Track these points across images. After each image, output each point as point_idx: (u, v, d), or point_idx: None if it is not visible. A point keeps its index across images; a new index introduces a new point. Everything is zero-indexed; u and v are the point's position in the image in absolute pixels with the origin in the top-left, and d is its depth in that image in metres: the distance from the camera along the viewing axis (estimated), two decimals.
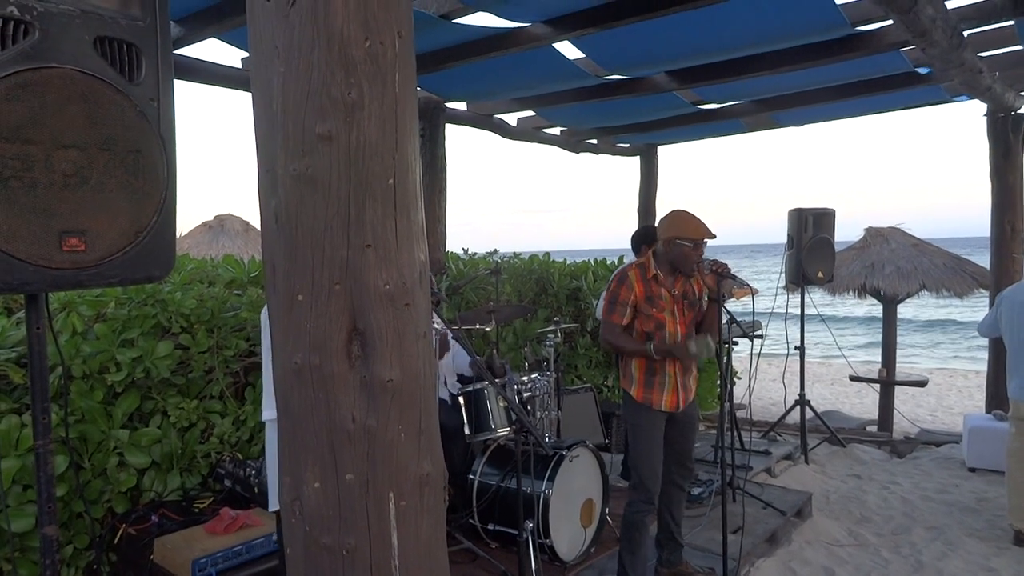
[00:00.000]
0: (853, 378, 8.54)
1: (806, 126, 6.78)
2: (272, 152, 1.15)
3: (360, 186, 1.12)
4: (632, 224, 7.89)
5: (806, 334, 6.23)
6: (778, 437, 6.25)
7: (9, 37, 1.40)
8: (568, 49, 4.55)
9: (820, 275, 6.15)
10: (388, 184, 1.15)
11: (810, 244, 6.04)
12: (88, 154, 1.53)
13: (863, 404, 11.17)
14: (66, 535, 3.15)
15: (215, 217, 9.55)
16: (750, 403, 5.11)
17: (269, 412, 2.36)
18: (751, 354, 6.11)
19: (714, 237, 3.09)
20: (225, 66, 4.48)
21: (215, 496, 3.59)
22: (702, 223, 3.07)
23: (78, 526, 3.20)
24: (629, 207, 8.01)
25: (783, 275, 6.29)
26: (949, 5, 3.55)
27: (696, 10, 3.60)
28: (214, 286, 4.16)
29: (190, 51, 4.23)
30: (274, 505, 2.33)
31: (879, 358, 8.91)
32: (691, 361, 3.17)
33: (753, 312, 4.15)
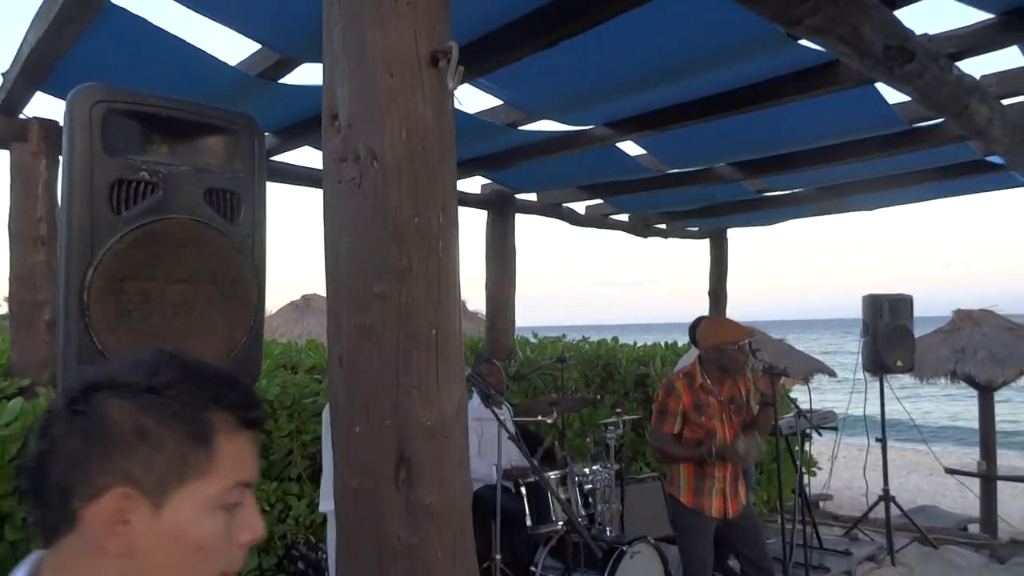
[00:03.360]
0: (949, 471, 8.03)
1: (878, 210, 6.72)
2: (338, 306, 1.37)
3: (408, 337, 1.33)
4: (704, 301, 7.90)
5: (896, 419, 5.98)
6: (861, 535, 5.95)
7: (139, 195, 1.71)
8: (630, 146, 4.77)
9: (899, 363, 5.96)
10: (431, 334, 1.35)
11: (887, 331, 5.89)
12: (195, 287, 1.80)
13: (965, 499, 10.33)
14: None
15: (302, 297, 10.15)
16: (809, 492, 4.93)
17: (326, 504, 2.53)
18: (835, 440, 5.92)
19: (753, 335, 3.20)
20: (314, 169, 4.93)
21: None
22: (739, 325, 3.20)
23: None
24: (701, 279, 8.01)
25: (860, 362, 6.13)
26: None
27: (755, 112, 3.76)
28: (296, 372, 4.48)
29: (283, 157, 4.69)
30: None
31: (975, 447, 8.38)
32: (742, 461, 3.20)
33: (810, 401, 4.11)
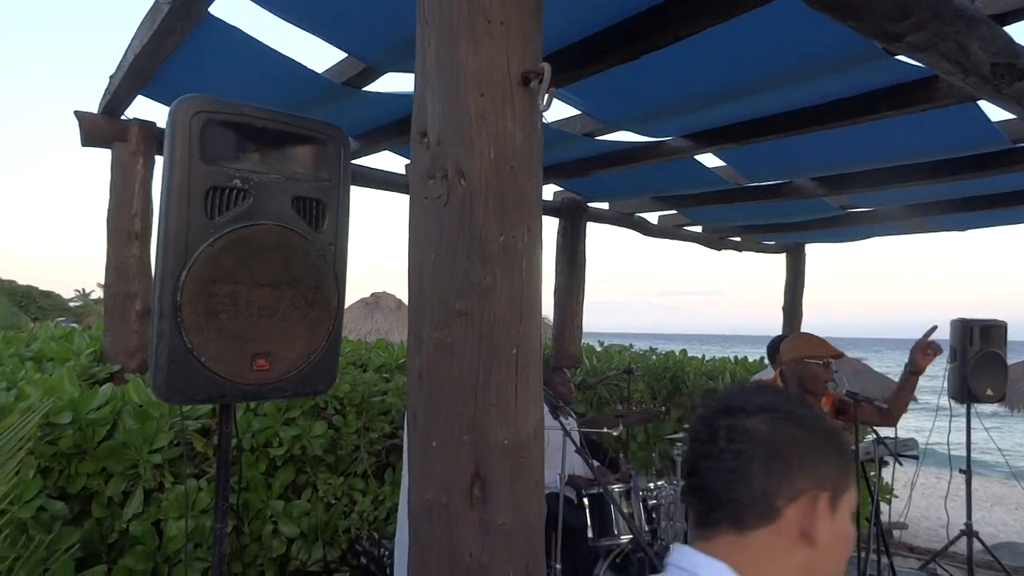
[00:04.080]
0: None
1: (970, 231, 6.36)
2: (420, 321, 1.39)
3: (488, 354, 1.33)
4: (778, 313, 7.67)
5: (984, 453, 5.66)
6: (939, 570, 5.64)
7: (232, 202, 1.78)
8: (709, 159, 4.68)
9: (990, 392, 5.62)
10: (512, 353, 1.35)
11: (977, 359, 5.57)
12: (279, 291, 1.86)
13: None
14: None
15: (372, 294, 10.38)
16: (888, 519, 4.71)
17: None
18: (915, 468, 5.61)
19: (841, 357, 3.07)
20: (392, 172, 5.03)
21: (351, 571, 3.85)
22: (828, 343, 3.07)
23: None
24: (774, 294, 7.78)
25: (945, 389, 5.82)
26: None
27: (843, 128, 3.62)
28: (366, 370, 4.57)
29: (363, 161, 4.81)
30: None
31: None
32: None
33: (896, 428, 3.93)
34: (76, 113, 3.77)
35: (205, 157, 1.75)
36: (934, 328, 3.30)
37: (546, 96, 1.36)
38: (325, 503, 3.93)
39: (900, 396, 3.15)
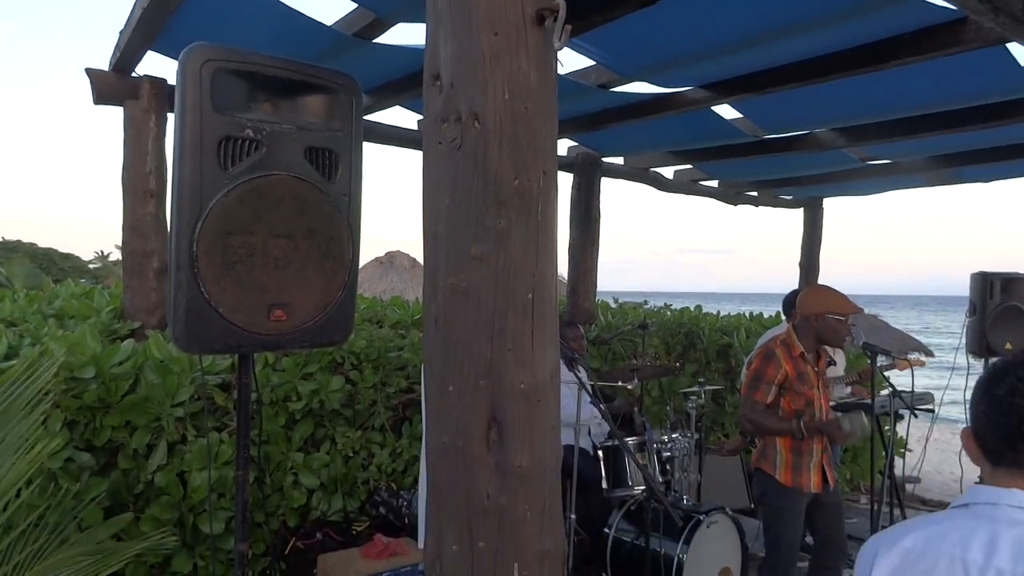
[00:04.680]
0: None
1: (995, 182, 6.23)
2: (435, 266, 1.39)
3: (504, 299, 1.33)
4: (793, 271, 7.61)
5: None
6: None
7: (245, 152, 1.77)
8: (726, 110, 4.59)
9: (1008, 346, 5.57)
10: (528, 298, 1.34)
11: (996, 312, 5.51)
12: (294, 241, 1.86)
13: None
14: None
15: (386, 253, 10.40)
16: (901, 473, 4.73)
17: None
18: (930, 422, 5.60)
19: (861, 311, 3.05)
20: (403, 128, 4.97)
21: (371, 521, 3.94)
22: (847, 298, 3.04)
23: (256, 534, 3.67)
24: (790, 251, 7.71)
25: (963, 343, 5.78)
26: None
27: (864, 75, 3.53)
28: (382, 326, 4.61)
29: (374, 116, 4.75)
30: (422, 543, 2.59)
31: None
32: (843, 439, 3.07)
33: (912, 383, 3.91)
34: (87, 71, 3.75)
35: (216, 106, 1.73)
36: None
37: (561, 35, 1.32)
38: (344, 456, 4.01)
39: (852, 435, 3.07)
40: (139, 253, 3.81)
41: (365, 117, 4.64)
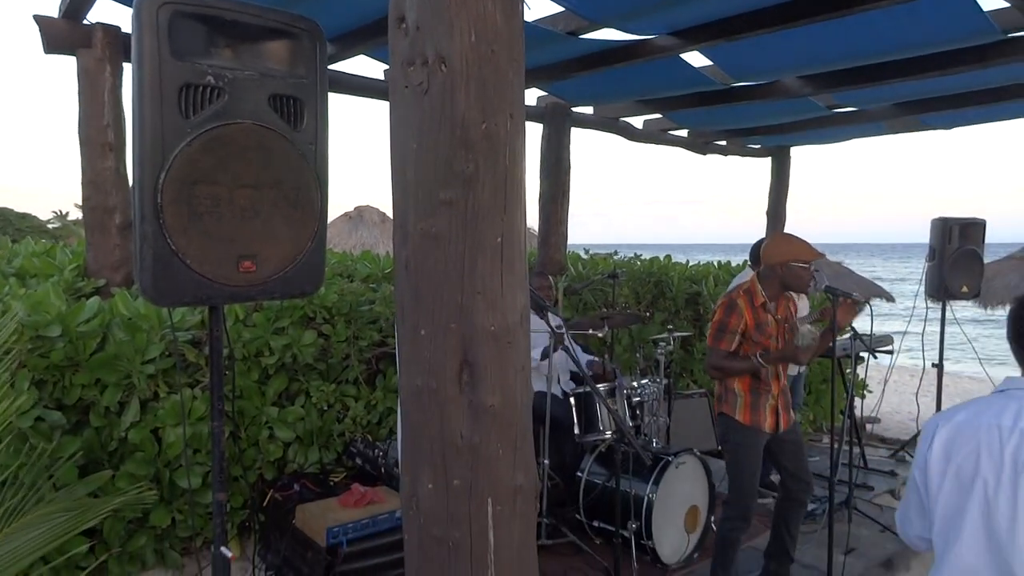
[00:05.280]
0: None
1: (956, 128, 6.34)
2: (405, 212, 1.39)
3: (474, 243, 1.34)
4: (762, 221, 7.72)
5: (954, 348, 5.85)
6: (908, 458, 5.95)
7: (206, 100, 1.73)
8: (695, 57, 4.57)
9: (965, 289, 5.75)
10: (497, 242, 1.36)
11: (955, 256, 5.67)
12: (260, 192, 1.84)
13: None
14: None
15: (355, 208, 10.29)
16: (861, 414, 4.92)
17: None
18: (889, 365, 5.80)
19: (823, 256, 3.13)
20: (369, 78, 4.87)
21: (347, 472, 4.00)
22: (811, 245, 3.12)
23: (234, 488, 3.70)
24: (759, 202, 7.82)
25: (922, 287, 5.95)
26: None
27: (831, 21, 3.54)
28: (353, 281, 4.59)
29: (339, 66, 4.65)
30: None
31: None
32: (804, 356, 3.17)
33: (872, 323, 4.03)
34: (35, 17, 3.60)
35: (175, 52, 1.68)
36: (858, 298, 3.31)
37: None
38: (318, 409, 4.04)
39: (815, 349, 3.19)
40: (100, 209, 3.72)
41: (330, 67, 4.56)
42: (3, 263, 3.93)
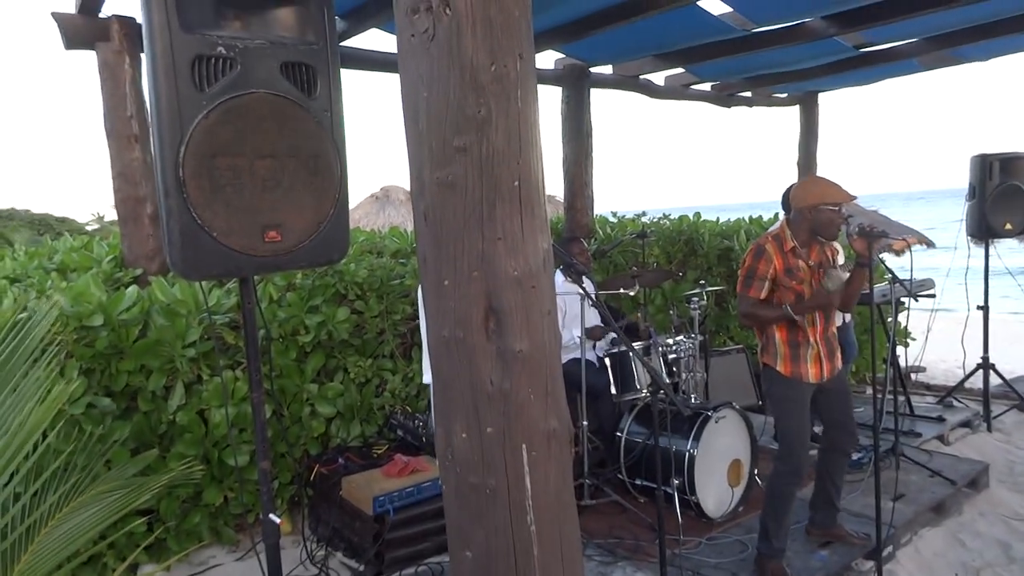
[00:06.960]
0: None
1: (994, 60, 6.07)
2: (420, 162, 1.38)
3: (491, 189, 1.33)
4: (790, 177, 7.55)
5: (1000, 291, 5.64)
6: (956, 403, 5.82)
7: (219, 71, 1.74)
8: (714, 4, 4.45)
9: (1008, 226, 5.56)
10: (514, 186, 1.34)
11: (996, 193, 5.47)
12: (280, 161, 1.85)
13: None
14: (272, 472, 3.75)
15: (381, 189, 10.32)
16: (905, 363, 4.79)
17: (428, 376, 2.68)
18: (931, 311, 5.64)
19: (854, 199, 3.01)
20: (384, 52, 4.84)
21: (389, 444, 4.06)
22: (840, 187, 3.01)
23: (281, 465, 3.79)
24: (787, 158, 7.64)
25: (963, 227, 5.76)
26: None
27: None
28: (382, 256, 4.62)
29: (353, 42, 4.63)
30: None
31: None
32: (833, 301, 3.08)
33: (912, 267, 3.90)
34: (54, 15, 3.64)
35: (185, 25, 1.69)
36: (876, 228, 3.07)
37: None
38: (357, 384, 4.09)
39: (848, 291, 3.07)
40: (131, 200, 3.80)
41: (345, 43, 4.55)
42: (44, 260, 4.04)
